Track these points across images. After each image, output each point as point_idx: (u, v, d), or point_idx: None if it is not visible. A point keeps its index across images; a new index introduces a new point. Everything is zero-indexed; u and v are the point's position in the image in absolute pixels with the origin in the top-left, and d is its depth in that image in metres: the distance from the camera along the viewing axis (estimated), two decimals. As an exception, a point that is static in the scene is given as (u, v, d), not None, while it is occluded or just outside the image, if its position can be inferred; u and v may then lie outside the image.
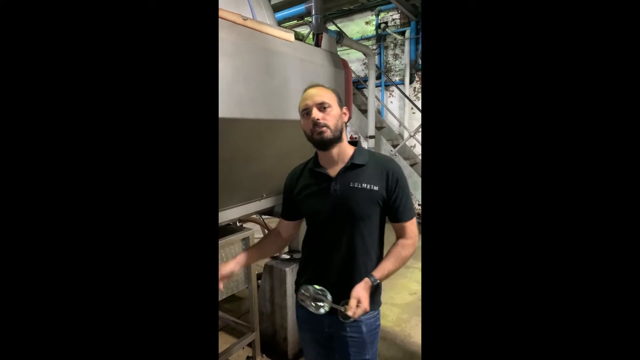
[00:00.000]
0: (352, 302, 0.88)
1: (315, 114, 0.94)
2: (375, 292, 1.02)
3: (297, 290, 1.12)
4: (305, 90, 1.00)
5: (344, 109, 1.01)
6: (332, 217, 0.98)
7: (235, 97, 1.12)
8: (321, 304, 0.91)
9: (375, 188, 0.95)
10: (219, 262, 1.63)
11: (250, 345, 1.87)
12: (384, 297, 2.62)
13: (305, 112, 0.96)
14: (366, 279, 0.93)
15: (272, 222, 2.65)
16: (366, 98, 4.36)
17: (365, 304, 0.89)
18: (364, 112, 4.35)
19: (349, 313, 0.87)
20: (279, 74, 1.31)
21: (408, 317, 2.32)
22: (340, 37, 3.09)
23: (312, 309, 0.93)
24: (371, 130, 4.00)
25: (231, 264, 1.04)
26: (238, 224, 1.97)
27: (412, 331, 2.17)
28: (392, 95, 5.18)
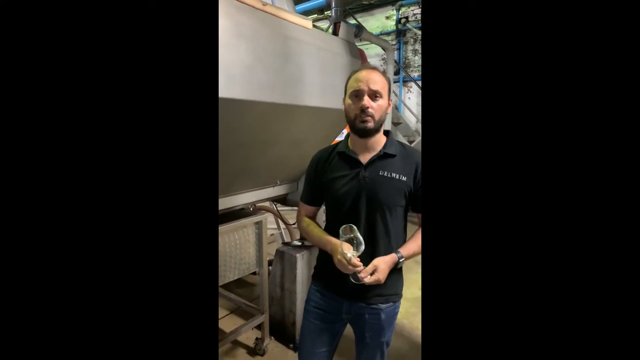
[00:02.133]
0: (369, 267, 0.90)
1: (367, 101, 0.93)
2: (397, 282, 1.04)
3: (316, 269, 1.12)
4: (359, 70, 0.97)
5: (390, 100, 0.99)
6: (359, 203, 0.97)
7: (253, 80, 1.15)
8: (352, 250, 0.91)
9: (404, 179, 0.96)
10: (234, 245, 1.69)
11: (259, 327, 1.92)
12: (393, 290, 2.61)
13: (355, 94, 0.95)
14: (392, 254, 0.95)
15: (285, 212, 2.70)
16: (383, 93, 4.34)
17: (381, 275, 0.90)
18: (381, 107, 4.34)
19: (362, 274, 0.89)
20: (296, 60, 1.34)
21: (416, 311, 2.32)
22: (359, 30, 3.09)
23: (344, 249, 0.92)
24: (387, 126, 3.97)
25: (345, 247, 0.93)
26: (251, 209, 2.01)
27: (420, 324, 2.17)
28: (410, 92, 5.14)
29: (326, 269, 1.06)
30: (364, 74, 0.95)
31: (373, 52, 5.22)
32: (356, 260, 0.90)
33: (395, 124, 4.43)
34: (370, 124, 0.94)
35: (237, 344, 1.97)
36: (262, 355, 1.87)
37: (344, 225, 0.91)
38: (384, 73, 0.98)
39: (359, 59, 1.76)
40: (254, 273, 2.28)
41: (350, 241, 0.91)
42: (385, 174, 0.96)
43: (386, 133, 1.03)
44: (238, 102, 1.11)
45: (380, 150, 0.98)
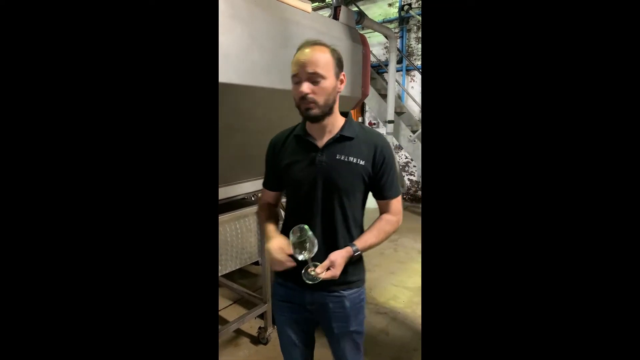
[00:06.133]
0: (326, 262, 0.86)
1: (305, 88, 0.84)
2: (357, 268, 0.98)
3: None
4: (300, 47, 0.88)
5: (342, 75, 0.90)
6: (316, 189, 0.93)
7: (249, 64, 1.12)
8: (304, 251, 0.87)
9: (362, 162, 0.91)
10: (235, 234, 1.68)
11: (262, 316, 1.93)
12: (396, 280, 2.61)
13: (295, 79, 0.87)
14: (348, 247, 0.91)
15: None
16: (386, 82, 4.28)
17: (337, 270, 0.87)
18: (384, 96, 4.27)
19: (317, 270, 0.85)
20: (294, 44, 1.30)
21: (419, 300, 2.31)
22: (361, 17, 3.03)
23: (293, 251, 0.88)
24: (390, 115, 3.93)
25: (279, 240, 0.91)
26: (252, 199, 2.00)
27: (424, 313, 2.17)
28: (414, 80, 5.06)
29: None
30: (302, 54, 0.86)
31: (375, 40, 5.13)
32: (312, 268, 0.86)
33: (399, 113, 4.38)
34: (315, 111, 0.86)
35: (240, 332, 1.98)
36: (265, 344, 1.88)
37: (294, 227, 0.87)
38: (329, 47, 0.88)
39: (360, 44, 1.72)
40: (257, 263, 2.28)
41: (303, 243, 0.86)
42: (343, 158, 0.91)
43: (345, 114, 0.97)
44: (233, 86, 1.08)
45: (336, 133, 0.92)
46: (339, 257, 0.88)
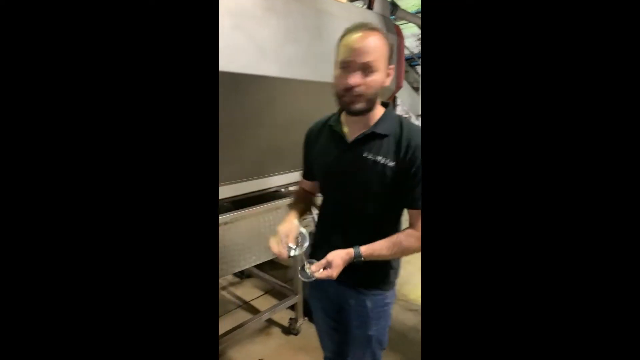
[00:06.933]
0: (322, 261, 0.81)
1: (354, 79, 0.76)
2: (385, 270, 0.93)
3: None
4: (352, 30, 0.78)
5: (390, 68, 0.81)
6: (338, 185, 0.89)
7: (284, 56, 1.13)
8: (293, 246, 0.84)
9: (391, 164, 0.81)
10: (268, 226, 1.71)
11: (293, 308, 1.96)
12: (419, 277, 2.55)
13: (343, 65, 0.77)
14: (350, 249, 0.83)
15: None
16: (419, 75, 4.16)
17: (334, 271, 0.81)
18: (416, 89, 4.16)
19: (313, 268, 0.81)
20: (329, 35, 1.29)
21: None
22: (394, 8, 2.95)
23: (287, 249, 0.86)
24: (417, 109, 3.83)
25: (288, 226, 0.87)
26: (283, 191, 2.02)
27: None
28: (449, 73, 4.87)
29: (314, 248, 0.98)
30: (355, 40, 0.76)
31: (409, 31, 4.99)
32: (307, 265, 0.82)
33: (432, 107, 4.24)
34: (359, 105, 0.79)
35: (272, 322, 2.03)
36: (295, 334, 1.91)
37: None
38: (384, 35, 0.78)
39: (395, 34, 1.68)
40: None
41: (295, 239, 0.84)
42: (369, 157, 0.83)
43: (386, 105, 0.88)
44: (269, 79, 1.10)
45: (369, 128, 0.84)
46: (336, 257, 0.82)
